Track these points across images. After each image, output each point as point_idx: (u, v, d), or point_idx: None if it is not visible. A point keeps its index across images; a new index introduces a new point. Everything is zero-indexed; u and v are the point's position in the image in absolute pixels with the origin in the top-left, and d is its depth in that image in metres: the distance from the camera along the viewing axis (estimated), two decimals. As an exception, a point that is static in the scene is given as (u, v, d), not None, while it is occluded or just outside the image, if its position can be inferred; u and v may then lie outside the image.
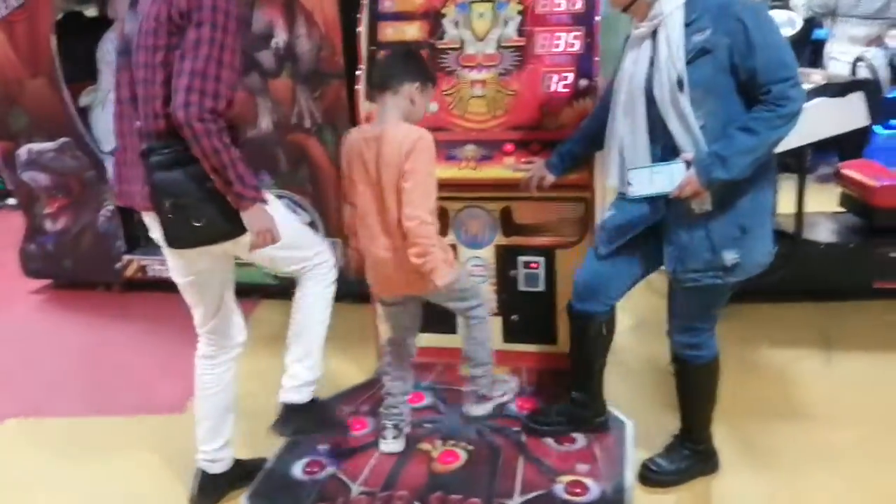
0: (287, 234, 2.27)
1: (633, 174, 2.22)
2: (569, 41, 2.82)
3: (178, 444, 2.60)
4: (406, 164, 2.24)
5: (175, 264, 2.31)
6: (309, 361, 2.44)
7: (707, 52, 2.07)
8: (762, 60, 2.03)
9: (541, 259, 2.95)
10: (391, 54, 2.52)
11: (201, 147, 1.97)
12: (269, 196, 2.23)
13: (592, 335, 2.52)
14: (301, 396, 2.44)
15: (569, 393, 2.64)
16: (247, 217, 2.09)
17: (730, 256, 2.17)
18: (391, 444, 2.56)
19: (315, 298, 2.43)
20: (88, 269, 4.48)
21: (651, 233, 2.30)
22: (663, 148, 2.16)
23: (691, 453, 2.47)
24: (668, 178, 2.14)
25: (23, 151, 4.31)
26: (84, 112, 4.39)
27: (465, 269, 2.60)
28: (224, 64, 2.01)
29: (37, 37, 4.09)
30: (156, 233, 2.19)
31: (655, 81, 2.13)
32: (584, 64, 2.79)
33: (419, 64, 2.43)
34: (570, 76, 2.80)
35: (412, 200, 2.24)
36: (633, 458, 2.51)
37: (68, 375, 3.53)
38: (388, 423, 2.58)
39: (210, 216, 2.06)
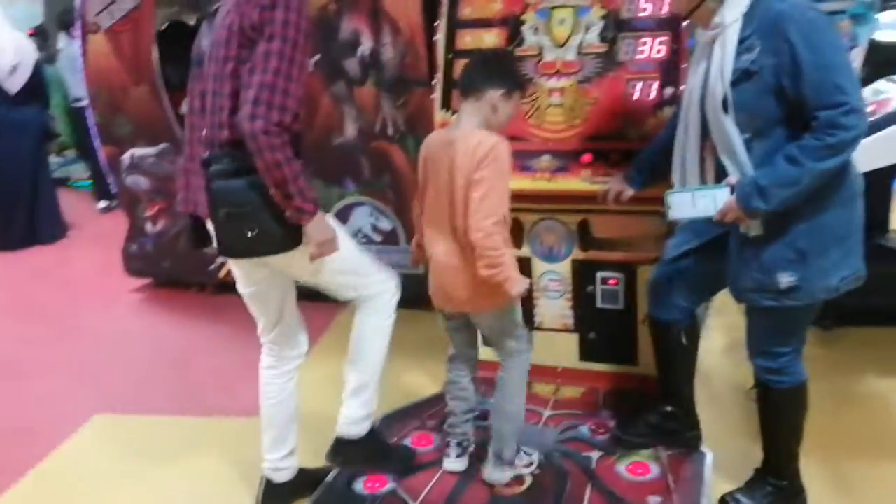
0: (346, 259, 2.25)
1: (674, 197, 2.10)
2: (654, 47, 2.67)
3: (251, 447, 2.61)
4: (476, 173, 2.16)
5: (237, 274, 2.33)
6: (364, 396, 2.43)
7: (751, 74, 1.92)
8: (811, 83, 1.85)
9: (620, 275, 2.82)
10: (479, 58, 2.45)
11: (264, 160, 1.97)
12: (331, 219, 2.22)
13: (669, 344, 2.45)
14: (355, 431, 2.44)
15: (658, 404, 2.55)
16: (309, 229, 2.08)
17: (785, 279, 2.01)
18: (454, 463, 2.49)
19: (372, 331, 2.40)
20: (184, 270, 4.63)
21: (725, 243, 2.17)
22: (715, 168, 2.03)
23: (774, 489, 2.28)
24: (712, 202, 2.01)
25: (126, 156, 4.50)
26: (184, 119, 4.53)
27: (519, 308, 2.41)
28: (292, 78, 2.01)
29: (140, 46, 4.26)
30: (215, 241, 2.22)
31: (707, 98, 1.99)
32: (669, 71, 2.64)
33: (507, 69, 2.35)
34: (655, 84, 2.65)
35: (479, 210, 2.15)
36: (711, 491, 2.35)
37: (156, 373, 3.66)
38: (452, 440, 2.51)
39: (263, 226, 2.05)
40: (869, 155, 2.17)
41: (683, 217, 2.12)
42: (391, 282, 2.42)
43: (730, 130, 1.97)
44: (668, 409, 2.54)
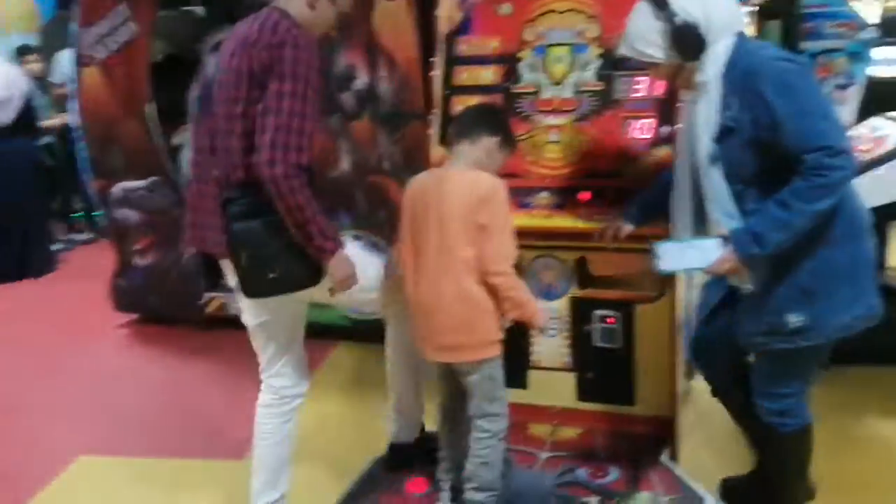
0: (370, 277, 2.29)
1: (662, 247, 2.09)
2: (651, 86, 2.66)
3: (240, 490, 2.54)
4: (482, 216, 2.16)
5: (246, 306, 2.30)
6: (416, 399, 2.60)
7: (733, 130, 1.94)
8: (792, 133, 1.87)
9: (618, 314, 2.77)
10: (475, 107, 2.51)
11: (286, 203, 1.98)
12: (348, 240, 2.23)
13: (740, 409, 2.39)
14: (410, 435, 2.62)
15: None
16: (330, 266, 2.09)
17: (794, 319, 1.99)
18: (446, 509, 2.42)
19: (407, 343, 2.45)
20: (173, 306, 4.55)
21: None
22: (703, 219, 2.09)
23: (776, 533, 2.24)
24: (701, 254, 2.02)
25: (116, 189, 4.45)
26: (176, 151, 4.49)
27: (501, 369, 2.31)
28: (306, 116, 2.02)
29: (133, 79, 4.23)
30: (232, 280, 2.20)
31: (695, 154, 2.04)
32: (666, 110, 2.62)
33: (503, 122, 2.38)
34: (652, 122, 2.64)
35: (497, 255, 2.16)
36: (710, 537, 2.31)
37: (141, 413, 3.58)
38: (444, 486, 2.44)
39: (284, 267, 2.06)
40: (866, 193, 2.16)
41: (672, 269, 2.13)
42: None
43: (717, 185, 2.00)
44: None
